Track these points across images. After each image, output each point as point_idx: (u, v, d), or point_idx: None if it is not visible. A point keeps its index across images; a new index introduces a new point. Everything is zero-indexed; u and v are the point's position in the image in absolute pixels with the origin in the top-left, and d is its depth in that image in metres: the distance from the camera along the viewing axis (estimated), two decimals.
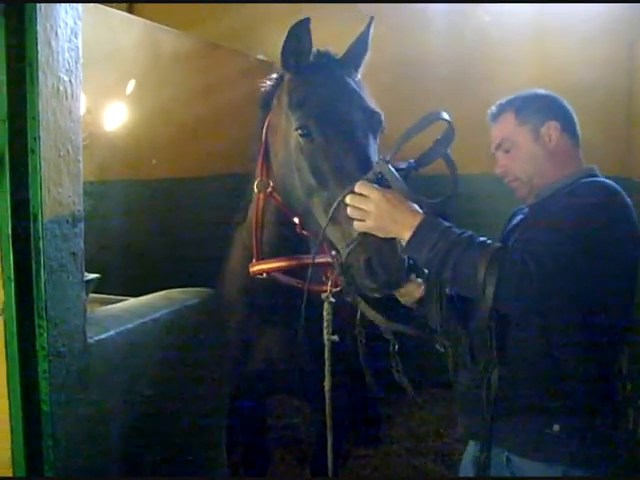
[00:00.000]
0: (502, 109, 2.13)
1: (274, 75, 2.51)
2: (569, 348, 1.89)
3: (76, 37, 1.71)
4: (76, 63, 1.72)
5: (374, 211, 1.82)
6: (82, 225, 1.77)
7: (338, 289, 2.19)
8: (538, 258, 1.70)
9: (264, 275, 2.52)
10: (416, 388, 2.27)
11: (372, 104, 2.30)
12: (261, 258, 2.54)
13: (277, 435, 4.17)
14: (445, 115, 1.93)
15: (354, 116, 2.19)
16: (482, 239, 1.77)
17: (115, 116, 3.76)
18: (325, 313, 2.22)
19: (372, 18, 2.43)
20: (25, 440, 1.62)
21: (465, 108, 4.51)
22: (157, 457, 2.10)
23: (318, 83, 2.26)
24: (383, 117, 2.28)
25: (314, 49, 2.30)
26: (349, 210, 1.89)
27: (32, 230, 1.59)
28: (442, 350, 2.06)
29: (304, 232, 2.39)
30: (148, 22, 4.09)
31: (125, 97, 3.81)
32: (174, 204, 4.11)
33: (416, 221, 1.79)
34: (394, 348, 2.15)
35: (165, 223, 4.00)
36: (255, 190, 2.50)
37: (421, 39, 4.65)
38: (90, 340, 1.79)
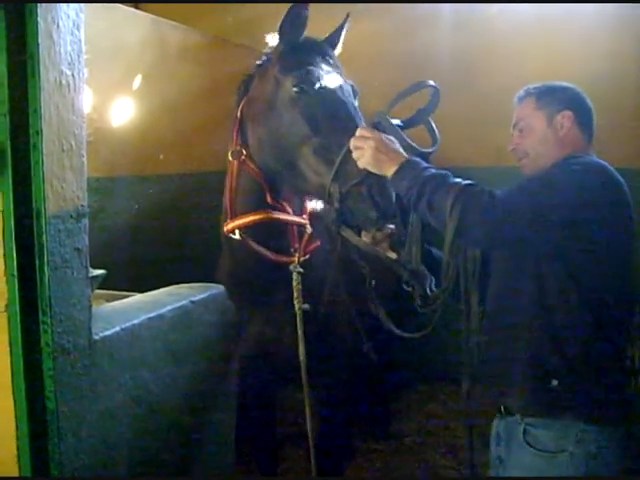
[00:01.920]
0: (527, 93, 2.29)
1: (254, 68, 2.80)
2: (560, 297, 2.00)
3: (78, 30, 1.69)
4: (79, 56, 1.70)
5: (372, 149, 2.09)
6: (86, 220, 1.75)
7: (306, 257, 2.44)
8: (504, 192, 1.91)
9: (237, 235, 2.69)
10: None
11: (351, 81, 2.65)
12: (233, 217, 2.74)
13: (288, 430, 4.14)
14: (432, 82, 2.27)
15: (341, 81, 2.52)
16: (457, 179, 1.98)
17: (122, 112, 3.74)
18: (294, 283, 2.41)
19: (348, 15, 2.84)
20: (30, 437, 1.61)
21: (470, 102, 4.49)
22: (163, 453, 2.08)
23: (308, 52, 2.58)
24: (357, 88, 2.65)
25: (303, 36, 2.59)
26: (353, 152, 2.15)
27: (35, 226, 1.57)
28: (409, 289, 2.21)
29: (271, 201, 2.66)
30: (154, 17, 4.08)
31: (132, 93, 3.80)
32: (181, 199, 4.10)
33: (402, 159, 2.07)
34: (370, 281, 2.32)
35: (172, 218, 3.99)
36: (230, 158, 2.74)
37: (425, 33, 4.62)
38: (95, 336, 1.78)
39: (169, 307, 2.14)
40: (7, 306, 1.57)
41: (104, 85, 3.44)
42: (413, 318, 2.31)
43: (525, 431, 2.03)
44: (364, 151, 2.11)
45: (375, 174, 2.14)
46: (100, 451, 1.80)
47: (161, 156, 4.02)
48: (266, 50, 2.76)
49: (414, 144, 2.17)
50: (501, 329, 2.13)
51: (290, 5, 2.44)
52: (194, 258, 3.73)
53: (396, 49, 4.60)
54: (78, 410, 1.71)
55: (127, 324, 1.92)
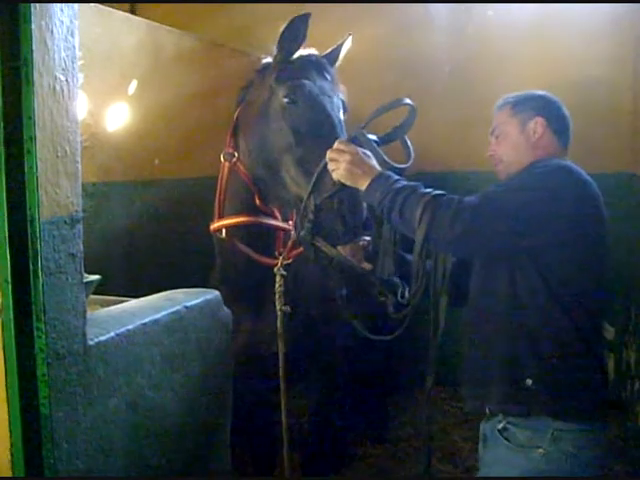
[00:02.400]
0: (505, 102, 2.37)
1: (256, 70, 2.90)
2: (531, 297, 2.06)
3: (72, 36, 1.69)
4: (73, 62, 1.70)
5: (347, 162, 2.17)
6: (81, 226, 1.75)
7: (289, 261, 2.55)
8: (471, 199, 1.98)
9: (223, 234, 2.83)
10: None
11: (342, 95, 2.76)
12: (220, 217, 2.89)
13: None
14: (408, 100, 2.33)
15: (332, 96, 2.64)
16: (428, 189, 2.06)
17: (117, 117, 3.74)
18: (277, 285, 2.50)
19: (349, 34, 2.92)
20: (24, 443, 1.60)
21: (468, 106, 4.50)
22: (159, 458, 2.08)
23: (305, 65, 2.68)
24: (347, 105, 2.77)
25: (302, 50, 2.72)
26: (328, 164, 2.24)
27: (29, 231, 1.57)
28: (382, 299, 2.33)
29: (260, 204, 2.80)
30: (150, 22, 4.08)
31: (127, 98, 3.80)
32: (178, 204, 4.10)
33: (375, 172, 2.16)
34: (341, 292, 2.43)
35: (168, 223, 3.99)
36: (222, 160, 2.88)
37: (423, 38, 4.63)
38: (90, 342, 1.78)
39: (164, 312, 2.14)
40: (1, 312, 1.56)
41: (100, 90, 3.44)
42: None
43: (504, 428, 2.11)
44: (339, 164, 2.20)
45: (349, 188, 2.22)
46: (95, 457, 1.79)
47: (157, 161, 4.02)
48: (266, 58, 2.82)
49: (388, 160, 2.25)
50: (478, 331, 2.21)
51: (291, 18, 2.52)
52: (190, 263, 3.73)
53: (394, 54, 4.61)
54: (72, 416, 1.70)
55: (122, 329, 1.92)
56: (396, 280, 2.28)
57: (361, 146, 2.24)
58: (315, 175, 2.32)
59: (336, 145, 2.25)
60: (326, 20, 4.66)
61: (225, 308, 2.50)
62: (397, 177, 2.14)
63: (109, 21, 3.57)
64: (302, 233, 2.35)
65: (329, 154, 2.24)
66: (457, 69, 4.58)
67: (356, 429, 4.17)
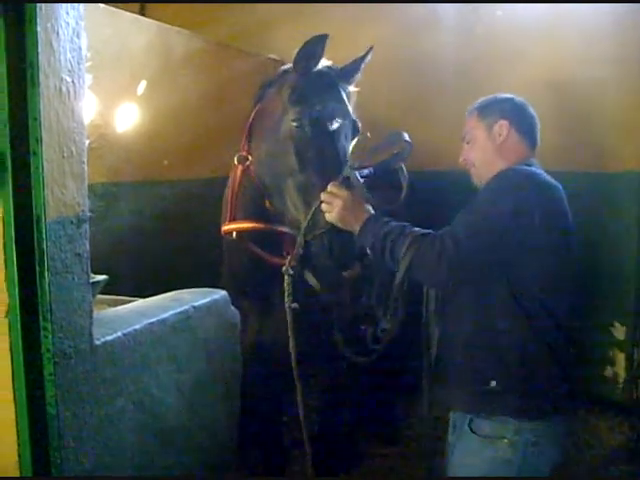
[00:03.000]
0: (474, 108, 2.46)
1: (277, 72, 2.88)
2: (498, 306, 2.19)
3: (78, 37, 1.70)
4: (79, 64, 1.71)
5: (340, 206, 2.30)
6: (87, 226, 1.76)
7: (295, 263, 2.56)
8: (454, 235, 2.08)
9: (234, 236, 2.87)
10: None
11: (353, 114, 2.75)
12: (232, 220, 2.90)
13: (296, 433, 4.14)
14: (406, 137, 2.44)
15: (340, 121, 2.63)
16: (415, 229, 2.18)
17: (126, 118, 3.76)
18: (285, 284, 2.54)
19: (371, 47, 2.85)
20: (32, 443, 1.61)
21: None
22: (166, 458, 2.09)
23: (318, 88, 2.66)
24: (360, 126, 2.76)
25: (322, 62, 2.71)
26: (322, 204, 2.35)
27: (35, 232, 1.58)
28: (362, 328, 2.54)
29: (270, 207, 2.81)
30: (159, 24, 4.09)
31: (136, 99, 3.82)
32: (186, 205, 4.11)
33: (366, 216, 2.28)
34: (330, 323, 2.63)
35: (177, 224, 4.00)
36: (235, 162, 2.88)
37: (430, 39, 4.61)
38: (97, 341, 1.79)
39: (171, 312, 2.15)
40: (8, 312, 1.57)
41: (109, 91, 3.46)
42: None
43: (471, 420, 2.26)
44: (332, 207, 2.32)
45: (338, 228, 2.35)
46: (101, 456, 1.80)
47: (165, 162, 4.03)
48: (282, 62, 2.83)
49: (375, 201, 2.37)
50: (446, 336, 2.33)
51: (310, 37, 2.53)
52: (197, 263, 3.74)
53: (403, 54, 4.59)
54: (79, 415, 1.71)
55: (129, 329, 1.93)
56: (379, 316, 2.45)
57: (352, 186, 2.35)
58: (310, 214, 2.43)
59: (330, 188, 2.35)
60: (333, 21, 4.67)
61: (232, 308, 2.51)
62: (385, 219, 2.26)
63: (119, 22, 3.59)
64: (287, 269, 2.53)
65: (323, 196, 2.35)
66: (465, 69, 4.55)
67: (366, 429, 4.16)
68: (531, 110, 2.40)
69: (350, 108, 2.75)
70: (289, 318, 2.52)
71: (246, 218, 2.88)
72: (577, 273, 2.33)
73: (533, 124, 2.39)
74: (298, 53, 2.61)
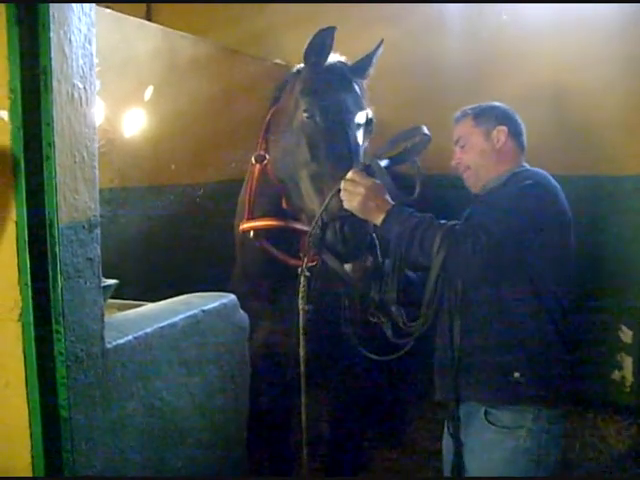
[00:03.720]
0: (464, 114, 2.57)
1: (290, 73, 2.91)
2: (519, 300, 2.27)
3: (90, 44, 1.72)
4: (90, 70, 1.73)
5: (363, 195, 2.24)
6: (98, 231, 1.77)
7: (313, 264, 2.54)
8: (487, 228, 2.12)
9: (251, 235, 2.87)
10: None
11: (369, 110, 2.74)
12: (250, 218, 2.90)
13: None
14: (425, 130, 2.40)
15: (352, 113, 2.64)
16: (442, 221, 2.20)
17: (134, 123, 3.78)
18: (301, 285, 2.51)
19: (382, 40, 2.87)
20: (44, 445, 1.63)
21: None
22: (176, 460, 2.10)
23: (329, 80, 2.68)
24: (374, 123, 2.76)
25: (331, 57, 2.74)
26: (342, 192, 2.29)
27: (48, 236, 1.60)
28: (374, 320, 2.46)
29: (287, 206, 2.82)
30: (165, 29, 4.11)
31: (143, 104, 3.83)
32: (194, 209, 4.12)
33: (389, 206, 2.24)
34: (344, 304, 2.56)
35: (185, 228, 4.01)
36: (253, 161, 2.89)
37: (438, 41, 4.63)
38: (108, 345, 1.80)
39: (181, 316, 2.16)
40: (21, 315, 1.59)
41: (116, 96, 3.47)
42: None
43: (487, 412, 2.30)
44: (353, 196, 2.26)
45: (356, 216, 2.31)
46: (113, 459, 1.81)
47: (173, 166, 4.05)
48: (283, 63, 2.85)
49: (399, 192, 2.34)
50: (469, 331, 2.34)
51: (319, 29, 2.55)
52: (206, 267, 3.75)
53: (409, 57, 4.61)
54: (91, 418, 1.73)
55: (139, 333, 1.94)
56: (393, 306, 2.39)
57: (374, 175, 2.31)
58: (327, 199, 2.38)
59: (350, 175, 2.29)
60: (341, 24, 4.69)
61: (241, 311, 2.52)
62: (409, 210, 2.25)
63: (125, 28, 3.61)
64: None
65: (343, 184, 2.29)
66: (471, 72, 4.56)
67: (373, 432, 4.16)
68: (518, 117, 2.56)
69: (363, 100, 2.75)
70: (301, 320, 2.51)
71: (263, 216, 2.88)
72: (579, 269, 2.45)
73: (522, 130, 2.55)
74: (308, 46, 2.64)
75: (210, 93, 4.18)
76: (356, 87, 2.75)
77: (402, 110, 4.53)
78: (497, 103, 2.59)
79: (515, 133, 2.51)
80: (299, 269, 2.54)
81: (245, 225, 2.91)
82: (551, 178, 2.40)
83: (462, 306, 2.33)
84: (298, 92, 2.70)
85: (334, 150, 2.54)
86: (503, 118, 2.51)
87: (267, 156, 2.86)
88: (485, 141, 2.49)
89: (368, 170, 2.33)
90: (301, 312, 2.51)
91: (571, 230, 2.39)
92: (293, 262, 2.76)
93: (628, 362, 4.34)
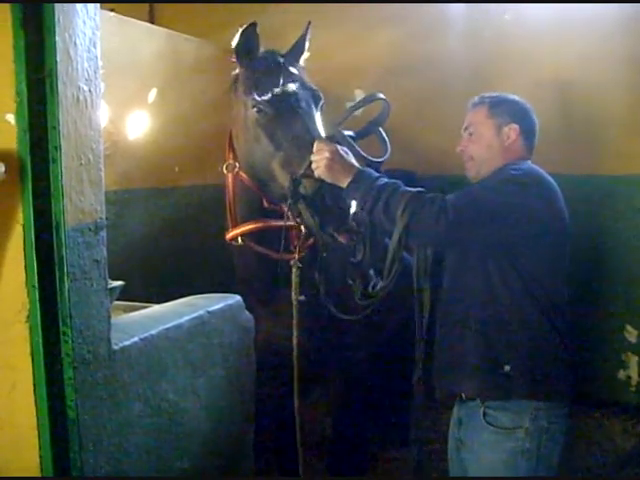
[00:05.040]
0: (481, 101, 2.50)
1: (231, 81, 2.95)
2: (504, 287, 2.24)
3: (95, 47, 1.73)
4: (95, 73, 1.74)
5: (327, 158, 2.29)
6: (105, 233, 1.78)
7: (303, 254, 2.61)
8: (454, 201, 2.12)
9: (239, 241, 2.90)
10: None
11: (312, 85, 2.81)
12: (235, 226, 2.93)
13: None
14: (381, 95, 2.49)
15: (297, 91, 2.69)
16: (409, 188, 2.19)
17: (138, 125, 3.79)
18: (293, 276, 2.57)
19: (309, 23, 2.96)
20: (52, 446, 1.63)
21: None
22: (182, 461, 2.10)
23: (265, 71, 2.75)
24: (321, 94, 2.81)
25: (262, 49, 2.81)
26: (312, 164, 2.35)
27: (55, 238, 1.61)
28: (350, 282, 2.48)
29: (268, 205, 2.86)
30: (169, 31, 4.13)
31: (147, 106, 3.85)
32: (198, 211, 4.13)
33: (356, 169, 2.28)
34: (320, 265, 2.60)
35: (189, 230, 4.02)
36: (225, 171, 2.94)
37: (440, 40, 4.62)
38: (115, 347, 1.81)
39: (186, 317, 2.17)
40: (28, 317, 1.60)
41: (120, 99, 3.49)
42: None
43: (485, 413, 2.26)
44: (320, 162, 2.32)
45: (329, 185, 2.34)
46: (120, 460, 1.82)
47: (177, 168, 4.06)
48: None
49: (365, 154, 2.40)
50: (453, 321, 2.34)
51: (241, 31, 2.67)
52: (210, 269, 3.76)
53: (412, 58, 4.60)
54: (98, 419, 1.74)
55: (145, 334, 1.95)
56: (371, 273, 2.44)
57: (339, 143, 2.36)
58: (299, 174, 2.44)
59: (316, 145, 2.37)
60: (343, 25, 4.70)
61: (246, 312, 2.52)
62: (376, 174, 2.26)
63: (129, 30, 3.62)
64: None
65: (312, 156, 2.36)
66: (474, 72, 4.56)
67: (378, 431, 4.16)
68: (534, 115, 2.49)
69: (304, 79, 2.83)
70: (294, 311, 2.54)
71: (246, 221, 2.91)
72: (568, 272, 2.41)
73: (535, 130, 2.48)
74: (235, 49, 2.75)
75: (214, 95, 4.18)
76: (293, 69, 2.82)
77: (404, 112, 4.53)
78: (516, 98, 2.51)
79: (527, 132, 2.45)
80: (291, 262, 2.59)
81: (231, 233, 2.95)
82: (546, 176, 2.35)
83: (441, 293, 2.37)
84: (242, 93, 2.80)
85: (293, 132, 2.60)
86: (518, 116, 2.44)
87: (237, 164, 2.91)
88: (495, 136, 2.42)
89: (331, 139, 2.40)
90: (294, 303, 2.54)
91: (565, 227, 2.34)
92: (286, 257, 2.76)
93: (634, 361, 4.33)
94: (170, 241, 3.90)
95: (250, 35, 2.70)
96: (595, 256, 4.28)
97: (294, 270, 2.56)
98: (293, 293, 2.54)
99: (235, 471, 2.45)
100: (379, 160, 2.45)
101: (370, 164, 2.39)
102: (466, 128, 2.50)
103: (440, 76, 4.58)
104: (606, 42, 4.16)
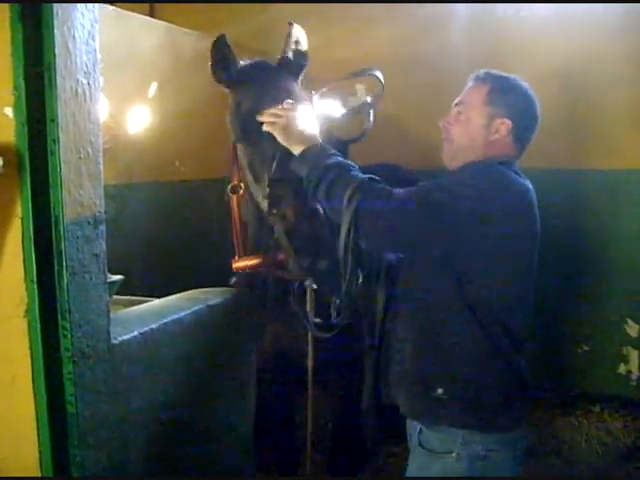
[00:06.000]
0: (486, 77, 2.17)
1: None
2: (446, 306, 1.97)
3: (93, 40, 1.72)
4: (94, 66, 1.73)
5: (283, 123, 2.10)
6: (104, 226, 1.77)
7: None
8: (403, 193, 1.89)
9: (247, 270, 2.64)
10: None
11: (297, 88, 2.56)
12: (242, 255, 2.63)
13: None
14: (374, 72, 2.37)
15: (274, 93, 2.40)
16: (361, 173, 1.95)
17: (138, 119, 3.78)
18: (308, 298, 2.42)
19: (290, 23, 2.73)
20: (52, 441, 1.63)
21: None
22: (182, 457, 2.10)
23: (240, 88, 2.58)
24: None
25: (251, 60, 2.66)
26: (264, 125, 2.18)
27: (53, 232, 1.60)
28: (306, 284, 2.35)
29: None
30: (168, 25, 4.11)
31: (147, 100, 3.83)
32: (198, 205, 4.13)
33: (312, 142, 2.04)
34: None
35: (189, 224, 4.02)
36: (229, 194, 2.64)
37: (443, 36, 4.60)
38: (114, 341, 1.81)
39: (186, 312, 2.17)
40: (27, 311, 1.59)
41: (120, 93, 3.48)
42: None
43: (420, 431, 2.04)
44: (275, 125, 2.13)
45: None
46: (120, 454, 1.82)
47: (177, 162, 4.05)
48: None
49: (335, 134, 2.30)
50: (396, 337, 2.12)
51: (211, 48, 2.54)
52: (211, 263, 3.75)
53: (416, 52, 4.59)
54: (98, 414, 1.73)
55: (145, 329, 1.95)
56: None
57: (300, 109, 2.17)
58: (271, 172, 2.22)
59: (284, 104, 2.19)
60: (348, 20, 4.68)
61: (247, 306, 2.51)
62: (332, 151, 2.02)
63: (128, 24, 3.61)
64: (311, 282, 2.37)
65: (273, 110, 2.18)
66: (476, 67, 4.55)
67: (378, 428, 4.16)
68: (537, 110, 2.15)
69: (293, 83, 2.59)
70: (310, 335, 2.45)
71: (253, 253, 2.62)
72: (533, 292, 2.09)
73: (533, 127, 2.16)
74: (210, 67, 2.58)
75: (214, 88, 4.17)
76: (277, 75, 2.62)
77: (407, 107, 4.52)
78: (526, 90, 2.15)
79: (519, 132, 2.11)
80: (306, 282, 2.41)
81: (236, 265, 2.60)
82: (516, 180, 2.01)
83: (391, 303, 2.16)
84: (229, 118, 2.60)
85: (265, 159, 2.34)
86: (517, 112, 2.10)
87: (242, 185, 2.61)
88: (483, 126, 2.09)
89: (292, 106, 2.20)
90: (310, 325, 2.40)
91: (528, 243, 2.02)
92: (301, 278, 2.49)
93: (634, 356, 4.33)
94: (170, 235, 3.90)
95: (222, 48, 2.54)
96: (595, 250, 4.28)
97: (308, 291, 2.41)
98: (309, 312, 2.40)
99: (235, 466, 2.45)
100: (351, 139, 2.34)
101: (340, 144, 2.23)
102: (457, 104, 2.18)
103: (442, 71, 4.57)
104: (611, 36, 4.15)
